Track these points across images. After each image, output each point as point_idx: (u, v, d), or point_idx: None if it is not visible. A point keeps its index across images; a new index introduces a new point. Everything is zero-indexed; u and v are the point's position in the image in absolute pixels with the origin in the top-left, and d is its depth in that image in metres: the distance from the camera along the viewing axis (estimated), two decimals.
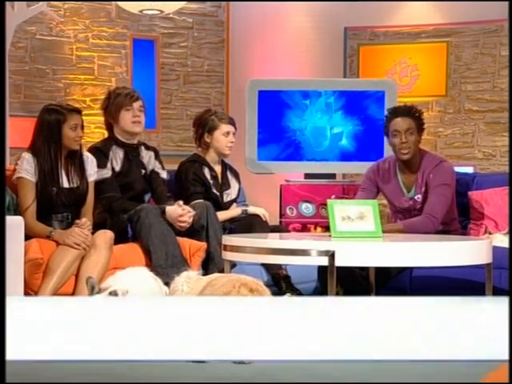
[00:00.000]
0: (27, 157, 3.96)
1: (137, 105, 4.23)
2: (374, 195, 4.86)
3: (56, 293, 3.73)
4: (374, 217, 4.03)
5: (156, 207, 4.09)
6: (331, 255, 3.59)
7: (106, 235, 3.90)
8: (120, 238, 4.17)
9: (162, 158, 4.94)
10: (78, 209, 4.05)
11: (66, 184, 4.00)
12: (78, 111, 4.07)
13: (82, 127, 3.99)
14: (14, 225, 3.65)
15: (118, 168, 4.50)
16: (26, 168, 3.93)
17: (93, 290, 3.47)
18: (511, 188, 4.56)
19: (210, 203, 4.60)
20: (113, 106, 4.23)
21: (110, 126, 4.33)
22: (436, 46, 6.88)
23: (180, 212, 4.28)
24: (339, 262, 3.60)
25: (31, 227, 3.85)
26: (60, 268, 3.84)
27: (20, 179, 3.93)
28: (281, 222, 5.63)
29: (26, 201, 3.94)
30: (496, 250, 4.11)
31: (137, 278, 3.55)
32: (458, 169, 5.71)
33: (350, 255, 3.80)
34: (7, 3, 5.99)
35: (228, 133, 4.83)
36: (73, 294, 3.90)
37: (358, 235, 3.99)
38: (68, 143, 3.94)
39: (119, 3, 5.91)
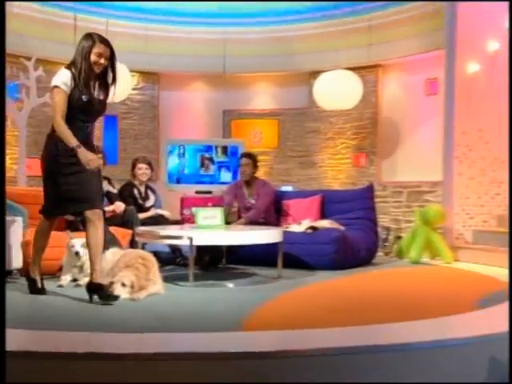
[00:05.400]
0: (65, 72, 3.77)
1: None
2: (234, 197, 6.02)
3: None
4: (220, 216, 5.06)
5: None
6: (191, 239, 4.47)
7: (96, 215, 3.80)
8: (76, 230, 4.76)
9: (119, 181, 6.06)
10: (94, 118, 3.81)
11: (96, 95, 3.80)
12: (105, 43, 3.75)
13: (107, 58, 3.73)
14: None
15: None
16: (64, 81, 3.74)
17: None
18: (511, 188, 4.68)
19: (134, 208, 5.58)
20: None
21: None
22: (272, 120, 8.78)
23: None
24: (195, 242, 4.50)
25: (63, 131, 3.69)
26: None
27: (57, 88, 3.72)
28: (182, 218, 6.56)
29: (60, 107, 3.71)
30: (291, 233, 5.47)
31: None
32: (283, 188, 7.56)
33: (201, 238, 4.62)
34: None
35: (141, 168, 5.88)
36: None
37: (211, 227, 4.90)
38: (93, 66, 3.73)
39: None
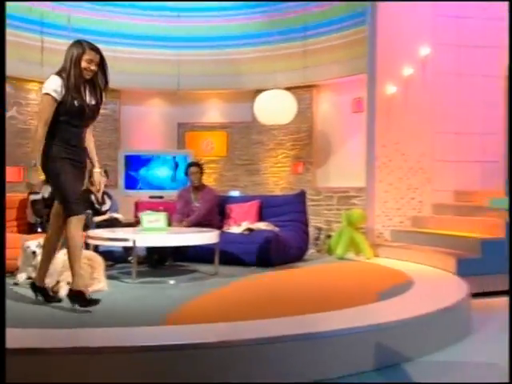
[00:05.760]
0: (56, 79, 3.51)
1: None
2: (186, 201, 5.95)
3: None
4: (163, 221, 5.09)
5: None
6: (134, 241, 4.53)
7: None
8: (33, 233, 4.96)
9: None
10: (86, 123, 3.61)
11: (88, 100, 3.61)
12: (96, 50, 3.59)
13: (98, 65, 3.55)
14: None
15: (46, 195, 5.14)
16: (54, 89, 3.49)
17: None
18: (511, 188, 4.22)
19: (90, 212, 5.57)
20: None
21: None
22: (221, 132, 9.00)
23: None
24: (138, 243, 4.49)
25: (37, 139, 3.44)
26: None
27: (46, 95, 3.49)
28: (135, 220, 6.31)
29: (43, 114, 3.47)
30: (230, 234, 5.59)
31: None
32: (231, 192, 7.78)
33: (144, 240, 4.67)
34: None
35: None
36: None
37: (155, 229, 4.96)
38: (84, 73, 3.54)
39: None
